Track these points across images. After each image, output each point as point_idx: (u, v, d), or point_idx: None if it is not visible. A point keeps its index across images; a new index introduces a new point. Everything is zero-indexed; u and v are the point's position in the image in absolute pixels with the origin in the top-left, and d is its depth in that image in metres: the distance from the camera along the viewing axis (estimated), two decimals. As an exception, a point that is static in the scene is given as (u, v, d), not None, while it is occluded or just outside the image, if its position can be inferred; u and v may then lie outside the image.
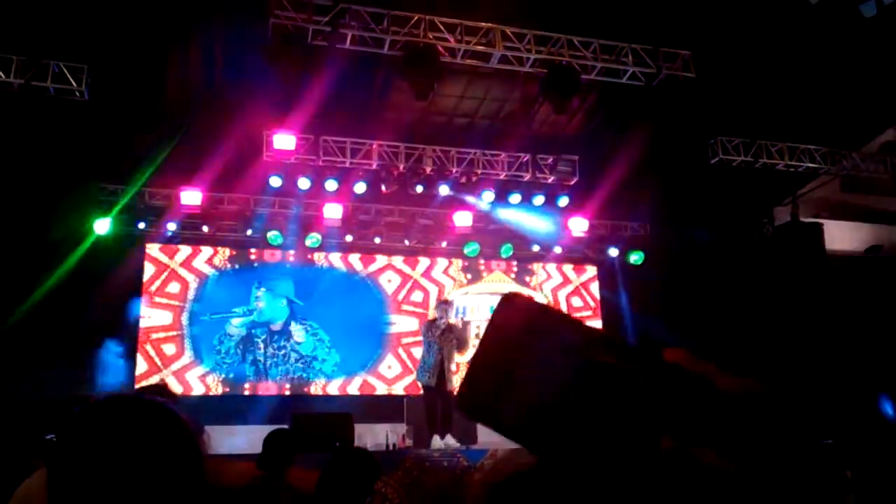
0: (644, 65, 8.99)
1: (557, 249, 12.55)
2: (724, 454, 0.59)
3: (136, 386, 10.58)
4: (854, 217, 12.89)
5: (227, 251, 11.73)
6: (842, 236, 12.60)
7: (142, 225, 10.83)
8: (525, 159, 11.18)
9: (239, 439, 7.95)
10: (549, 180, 11.26)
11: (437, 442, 8.21)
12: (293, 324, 11.63)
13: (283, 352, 11.47)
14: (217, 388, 11.13)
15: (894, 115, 11.06)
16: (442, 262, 12.68)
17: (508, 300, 0.64)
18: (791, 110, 10.10)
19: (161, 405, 1.12)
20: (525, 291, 12.88)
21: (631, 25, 8.80)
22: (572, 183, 11.28)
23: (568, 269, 13.25)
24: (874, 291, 12.25)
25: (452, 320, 8.84)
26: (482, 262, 12.77)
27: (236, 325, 11.38)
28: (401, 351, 12.09)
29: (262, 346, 11.41)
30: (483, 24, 8.53)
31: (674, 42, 9.04)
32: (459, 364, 8.64)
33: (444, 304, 9.05)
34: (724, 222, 11.85)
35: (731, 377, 0.62)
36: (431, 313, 10.80)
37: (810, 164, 11.09)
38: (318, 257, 12.10)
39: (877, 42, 8.59)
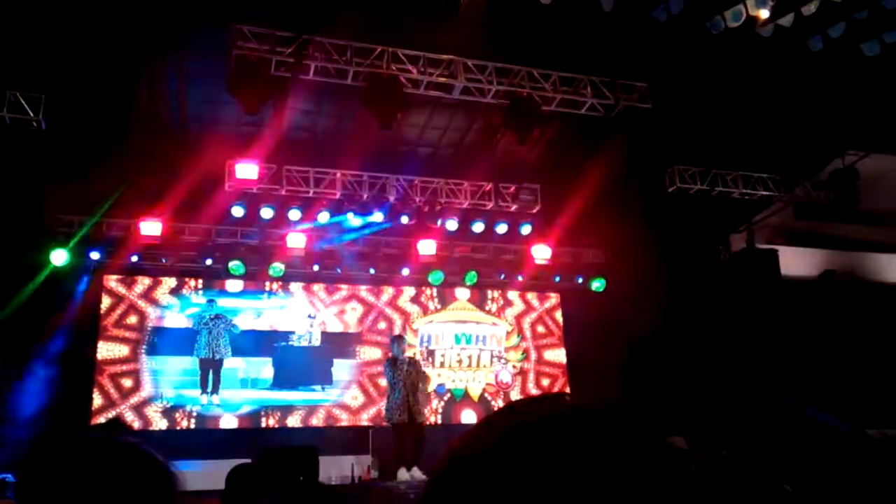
0: (602, 96, 9.19)
1: (521, 277, 12.63)
2: None
3: (92, 421, 10.34)
4: (808, 243, 13.25)
5: (194, 282, 11.57)
6: (796, 262, 12.92)
7: (96, 255, 10.59)
8: (488, 188, 11.29)
9: (200, 475, 7.75)
10: (512, 209, 11.38)
11: (403, 474, 8.15)
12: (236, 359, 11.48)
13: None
14: (177, 422, 10.91)
15: (842, 144, 11.45)
16: (407, 290, 12.68)
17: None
18: (745, 140, 10.40)
19: (134, 447, 1.11)
20: (488, 318, 12.94)
21: (589, 58, 9.01)
22: (534, 211, 11.42)
23: (532, 296, 13.34)
24: (829, 315, 12.56)
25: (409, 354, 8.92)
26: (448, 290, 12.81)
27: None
28: (365, 381, 12.00)
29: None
30: (445, 56, 8.66)
31: (631, 74, 9.27)
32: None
33: (398, 340, 9.17)
34: (682, 249, 12.07)
35: None
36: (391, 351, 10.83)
37: (764, 192, 11.40)
38: (278, 286, 11.99)
39: (825, 74, 8.92)
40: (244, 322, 11.61)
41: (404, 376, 8.57)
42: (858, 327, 12.57)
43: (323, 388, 11.73)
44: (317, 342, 11.94)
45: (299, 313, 11.97)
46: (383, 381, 11.88)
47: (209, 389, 11.05)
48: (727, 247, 12.94)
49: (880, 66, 8.49)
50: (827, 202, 11.87)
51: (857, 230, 13.36)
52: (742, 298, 12.21)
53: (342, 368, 11.93)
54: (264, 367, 11.49)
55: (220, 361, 11.19)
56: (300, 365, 11.71)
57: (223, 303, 11.60)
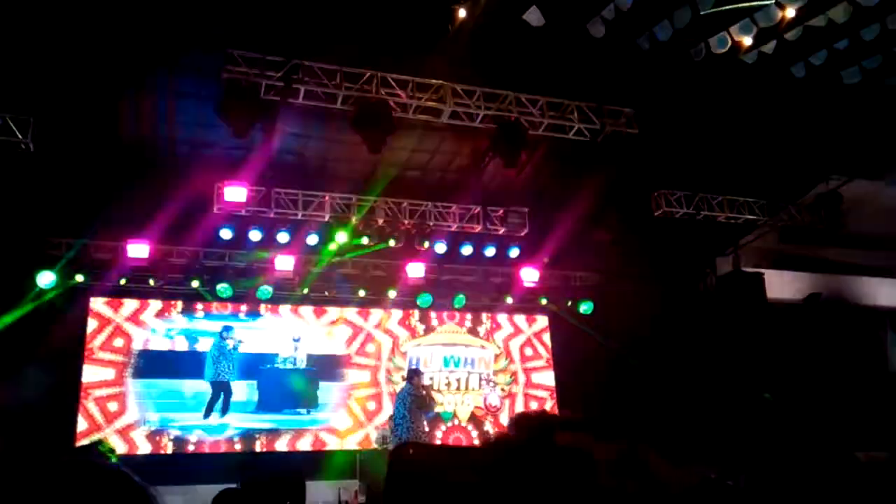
0: (589, 121, 9.29)
1: (509, 300, 12.65)
2: None
3: (76, 444, 10.23)
4: (793, 266, 13.35)
5: (181, 304, 11.51)
6: (782, 285, 13.01)
7: (80, 277, 10.50)
8: (476, 211, 11.34)
9: (185, 500, 7.68)
10: (500, 232, 11.42)
11: None
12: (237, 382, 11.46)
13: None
14: (162, 447, 10.79)
15: (826, 168, 11.58)
16: (395, 313, 12.66)
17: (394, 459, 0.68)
18: (730, 165, 10.51)
19: (113, 470, 1.11)
20: (477, 342, 12.93)
21: (576, 84, 9.11)
22: (523, 234, 11.46)
23: (520, 319, 13.35)
24: (814, 338, 12.63)
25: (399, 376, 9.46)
26: (434, 313, 12.80)
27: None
28: (353, 404, 11.93)
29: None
30: (433, 80, 8.73)
31: (617, 100, 9.37)
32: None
33: (421, 375, 9.92)
34: (669, 273, 12.13)
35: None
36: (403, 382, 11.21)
37: (749, 216, 11.51)
38: (267, 308, 11.95)
39: (808, 100, 9.06)
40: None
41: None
42: (843, 350, 12.65)
43: (308, 412, 11.65)
44: (302, 364, 11.88)
45: (284, 335, 11.92)
46: (372, 405, 11.88)
47: (215, 410, 11.12)
48: (713, 270, 13.01)
49: (862, 92, 8.63)
50: (812, 226, 11.98)
51: (841, 254, 13.48)
52: (728, 321, 12.26)
53: (330, 391, 11.87)
54: (249, 391, 11.41)
55: (230, 385, 11.26)
56: (285, 388, 11.63)
57: (207, 325, 11.54)
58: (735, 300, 12.38)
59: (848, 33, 7.56)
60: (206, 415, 11.02)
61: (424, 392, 9.47)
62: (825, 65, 7.96)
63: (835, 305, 13.37)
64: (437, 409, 12.13)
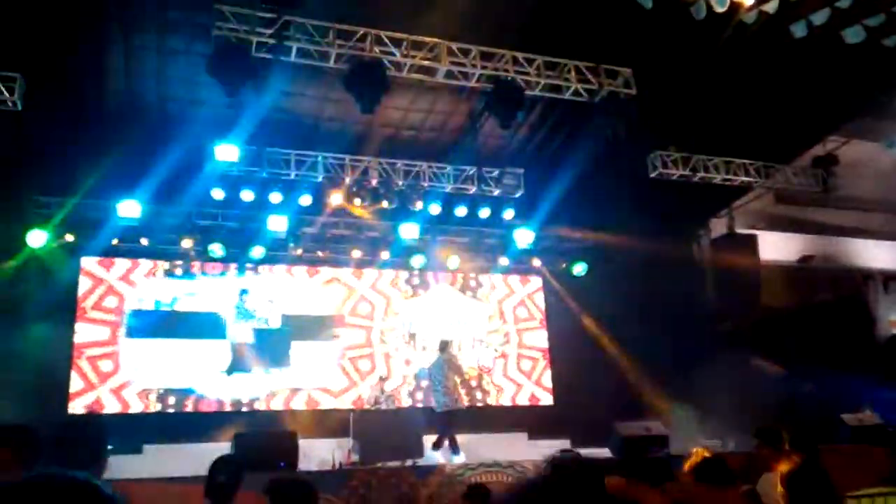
0: (586, 81, 9.16)
1: (503, 261, 12.64)
2: None
3: (70, 403, 10.28)
4: (787, 228, 13.35)
5: (167, 264, 11.46)
6: (776, 246, 13.03)
7: (71, 237, 10.45)
8: (471, 172, 11.24)
9: (181, 459, 7.72)
10: (495, 193, 11.35)
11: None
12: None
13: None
14: (155, 405, 10.84)
15: (823, 130, 11.50)
16: (389, 273, 12.64)
17: None
18: (726, 126, 10.41)
19: (84, 485, 1.08)
20: (470, 302, 12.95)
21: (573, 43, 8.95)
22: (518, 195, 11.39)
23: (514, 280, 13.36)
24: (807, 299, 12.70)
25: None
26: (430, 273, 12.80)
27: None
28: (347, 364, 11.98)
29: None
30: (429, 38, 8.57)
31: (615, 59, 9.23)
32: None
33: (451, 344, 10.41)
34: (664, 234, 12.11)
35: None
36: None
37: (745, 178, 11.46)
38: (262, 269, 11.93)
39: (807, 61, 8.93)
40: (212, 305, 11.55)
41: None
42: (834, 311, 12.72)
43: (280, 369, 11.65)
44: (276, 325, 11.84)
45: (261, 296, 11.87)
46: (365, 365, 11.95)
47: (237, 370, 11.47)
48: (708, 231, 13.02)
49: (862, 52, 8.50)
50: (807, 188, 11.95)
51: (835, 216, 13.48)
52: (722, 282, 12.30)
53: (321, 351, 11.89)
54: (223, 350, 11.45)
55: (251, 346, 11.55)
56: (254, 347, 11.60)
57: (199, 285, 11.53)
58: (729, 261, 12.40)
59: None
60: (230, 372, 11.34)
61: (457, 362, 10.15)
62: (827, 24, 7.83)
63: (827, 267, 13.41)
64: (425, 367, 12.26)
